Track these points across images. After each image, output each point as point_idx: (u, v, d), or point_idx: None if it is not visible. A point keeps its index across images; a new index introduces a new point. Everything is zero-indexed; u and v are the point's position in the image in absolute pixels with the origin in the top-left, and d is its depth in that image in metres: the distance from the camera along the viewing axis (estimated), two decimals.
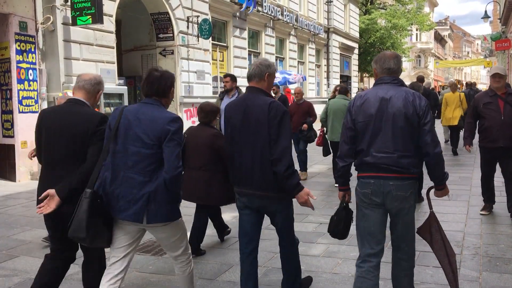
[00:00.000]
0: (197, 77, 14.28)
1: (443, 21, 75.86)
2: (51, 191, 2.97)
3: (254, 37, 18.86)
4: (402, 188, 3.02)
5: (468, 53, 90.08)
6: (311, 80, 24.11)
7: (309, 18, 23.01)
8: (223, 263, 4.55)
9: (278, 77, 17.20)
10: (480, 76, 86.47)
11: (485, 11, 27.71)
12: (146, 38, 13.76)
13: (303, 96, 9.41)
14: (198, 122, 4.85)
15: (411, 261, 3.26)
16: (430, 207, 3.30)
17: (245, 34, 17.51)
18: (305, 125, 8.80)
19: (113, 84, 11.06)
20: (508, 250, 4.71)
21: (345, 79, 29.28)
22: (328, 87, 25.14)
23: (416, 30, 41.90)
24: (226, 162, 3.68)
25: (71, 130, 3.08)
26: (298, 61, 22.62)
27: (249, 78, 3.43)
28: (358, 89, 27.71)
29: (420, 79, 10.38)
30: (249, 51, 18.06)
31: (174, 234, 3.10)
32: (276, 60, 20.33)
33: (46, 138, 3.17)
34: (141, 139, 2.88)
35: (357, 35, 30.46)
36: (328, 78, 25.84)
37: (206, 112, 4.72)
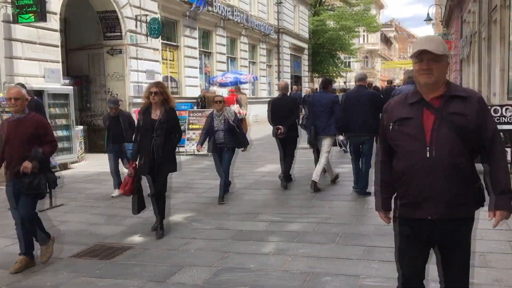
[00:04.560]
0: (147, 76, 14.05)
1: (389, 23, 78.41)
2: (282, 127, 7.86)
3: (205, 37, 18.77)
4: None
5: None
6: (263, 80, 24.28)
7: (259, 19, 23.16)
8: (173, 265, 4.51)
9: (230, 77, 17.21)
10: None
11: (428, 14, 28.87)
12: (93, 36, 13.39)
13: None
14: None
15: None
16: None
17: (196, 33, 17.40)
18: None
19: (58, 84, 10.70)
20: None
21: (296, 79, 29.70)
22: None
23: (364, 31, 43.11)
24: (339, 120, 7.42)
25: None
26: (250, 61, 22.73)
27: (359, 80, 7.39)
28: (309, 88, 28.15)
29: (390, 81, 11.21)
30: (200, 50, 17.96)
31: (329, 143, 7.59)
32: (227, 60, 20.34)
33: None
34: (323, 105, 7.45)
35: (307, 36, 30.96)
36: (279, 78, 26.10)
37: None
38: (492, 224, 2.55)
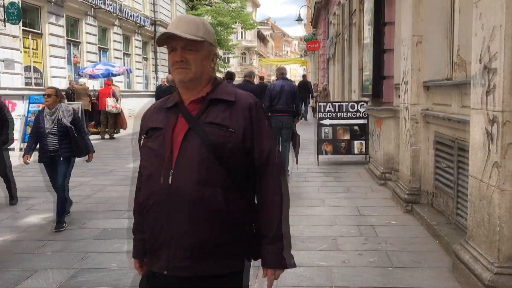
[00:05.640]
0: (5, 66, 12.79)
1: (265, 21, 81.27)
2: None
3: (73, 25, 17.62)
4: (288, 119, 8.03)
5: (287, 52, 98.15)
6: (138, 73, 23.56)
7: (134, 9, 22.39)
8: (25, 270, 4.17)
9: (101, 69, 16.41)
10: (297, 74, 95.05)
11: (299, 15, 30.44)
12: None
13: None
14: None
15: (285, 149, 8.03)
16: None
17: (63, 21, 16.25)
18: None
19: None
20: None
21: None
22: (156, 80, 24.87)
23: (241, 28, 44.05)
24: None
25: None
26: (124, 53, 21.89)
27: (247, 76, 9.75)
28: None
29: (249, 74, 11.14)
30: (67, 40, 16.82)
31: None
32: (99, 51, 19.36)
33: None
34: None
35: None
36: (156, 71, 25.56)
37: None
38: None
